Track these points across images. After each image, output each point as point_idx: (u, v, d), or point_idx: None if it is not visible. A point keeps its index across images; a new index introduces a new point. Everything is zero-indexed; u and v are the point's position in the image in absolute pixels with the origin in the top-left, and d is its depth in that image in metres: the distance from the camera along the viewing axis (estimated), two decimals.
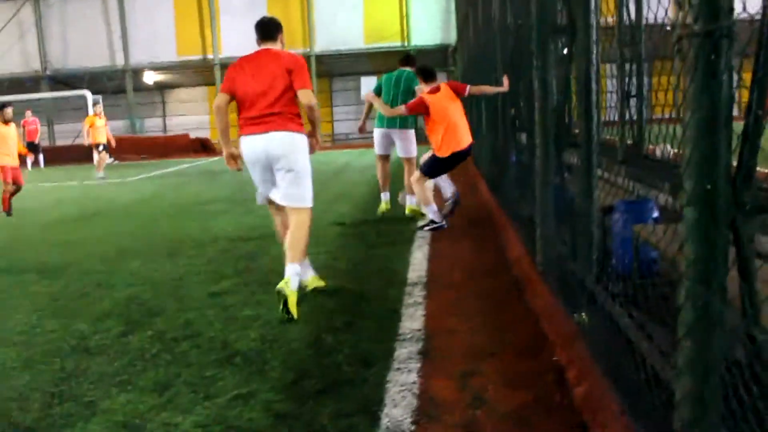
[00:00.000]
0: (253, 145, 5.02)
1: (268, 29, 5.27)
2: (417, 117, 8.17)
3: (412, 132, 8.64)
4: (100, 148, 18.58)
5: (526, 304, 4.73)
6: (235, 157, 5.19)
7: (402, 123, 8.46)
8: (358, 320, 4.53)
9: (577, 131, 4.41)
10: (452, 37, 27.35)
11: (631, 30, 7.88)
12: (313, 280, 5.34)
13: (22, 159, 22.99)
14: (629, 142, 7.95)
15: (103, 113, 18.90)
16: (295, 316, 4.61)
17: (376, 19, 28.05)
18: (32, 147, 23.58)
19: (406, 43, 28.00)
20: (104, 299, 5.53)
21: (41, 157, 24.69)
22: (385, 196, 8.95)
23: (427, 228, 7.69)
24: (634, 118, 7.94)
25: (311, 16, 28.16)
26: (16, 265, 7.25)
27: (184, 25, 29.34)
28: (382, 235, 7.60)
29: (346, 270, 6.00)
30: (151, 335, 4.48)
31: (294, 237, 4.98)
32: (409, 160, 8.67)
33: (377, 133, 8.70)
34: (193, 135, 28.85)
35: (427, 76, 7.88)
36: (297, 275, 4.90)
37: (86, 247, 8.05)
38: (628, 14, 7.86)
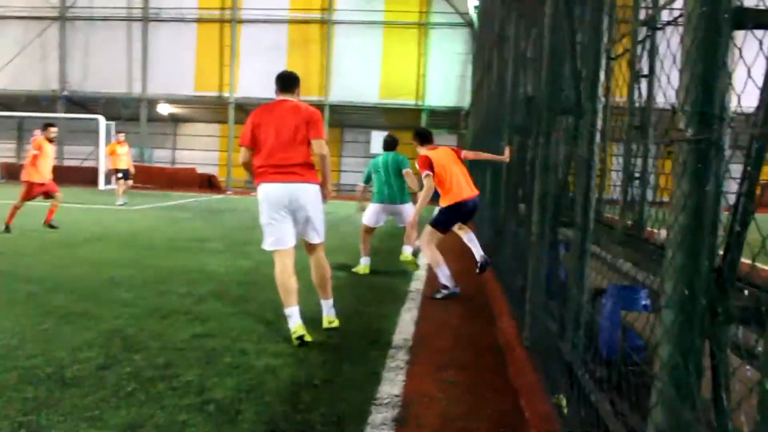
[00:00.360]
0: (278, 192, 5.45)
1: (288, 82, 5.73)
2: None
3: (411, 204, 8.98)
4: (119, 175, 18.78)
5: (508, 378, 4.70)
6: None
7: (402, 197, 9.10)
8: (337, 379, 4.50)
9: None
10: (466, 101, 27.66)
11: (641, 112, 7.98)
12: (299, 327, 5.38)
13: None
14: (629, 222, 7.98)
15: (125, 141, 18.92)
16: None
17: (392, 75, 28.40)
18: None
19: (420, 102, 28.32)
20: (89, 329, 5.51)
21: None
22: (366, 261, 9.13)
23: (440, 296, 7.54)
24: (637, 199, 7.99)
25: (329, 66, 28.53)
26: (5, 285, 7.23)
27: (204, 61, 29.73)
28: (374, 292, 7.59)
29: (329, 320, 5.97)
30: (129, 372, 4.45)
31: (323, 276, 5.79)
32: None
33: (376, 207, 9.18)
34: (200, 170, 28.98)
35: (424, 139, 8.04)
36: (332, 308, 5.83)
37: (80, 272, 8.04)
38: (639, 96, 7.96)
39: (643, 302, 4.53)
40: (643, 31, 7.85)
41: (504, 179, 8.83)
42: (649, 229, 7.74)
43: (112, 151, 18.76)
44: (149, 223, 14.15)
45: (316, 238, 5.73)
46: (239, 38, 29.21)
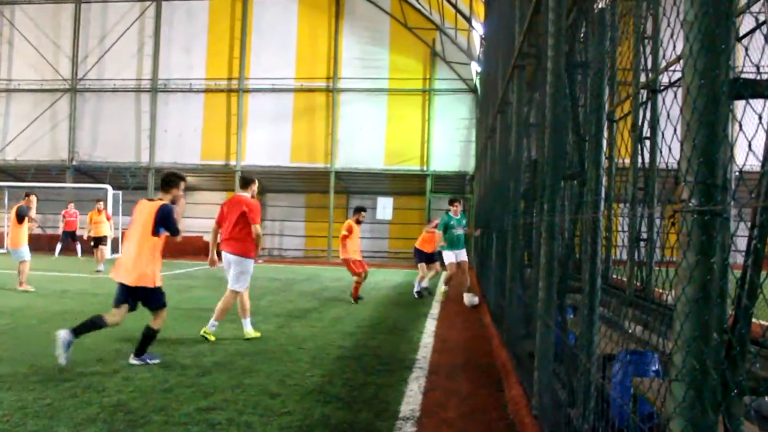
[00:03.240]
0: (225, 257, 8.87)
1: (243, 183, 9.20)
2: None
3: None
4: (92, 243, 19.64)
5: None
6: (215, 262, 9.19)
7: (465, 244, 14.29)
8: None
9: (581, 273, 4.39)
10: (470, 165, 27.83)
11: (644, 173, 8.00)
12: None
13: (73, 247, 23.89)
14: (637, 284, 7.91)
15: (104, 209, 20.16)
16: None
17: (397, 142, 28.61)
18: (72, 236, 24.32)
19: (425, 167, 28.47)
20: (92, 403, 5.43)
21: (78, 246, 24.93)
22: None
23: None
24: (644, 260, 7.94)
25: (335, 133, 28.77)
26: (9, 356, 7.18)
27: (210, 130, 30.02)
28: (381, 361, 7.48)
29: (337, 396, 5.88)
30: None
31: (223, 305, 8.84)
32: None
33: (451, 253, 13.91)
34: (206, 238, 29.01)
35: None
36: (214, 326, 8.74)
37: (84, 344, 7.93)
38: (642, 158, 7.99)
39: (655, 368, 4.44)
40: (644, 94, 7.94)
41: (510, 243, 8.79)
42: (657, 289, 7.69)
43: (90, 218, 19.74)
44: None
45: (233, 286, 8.86)
46: (246, 107, 29.58)
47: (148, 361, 7.07)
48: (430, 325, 10.35)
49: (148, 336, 7.20)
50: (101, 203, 20.24)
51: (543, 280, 4.87)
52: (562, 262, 4.92)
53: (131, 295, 7.15)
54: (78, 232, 24.56)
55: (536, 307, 5.15)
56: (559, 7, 4.98)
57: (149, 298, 7.28)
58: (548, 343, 4.81)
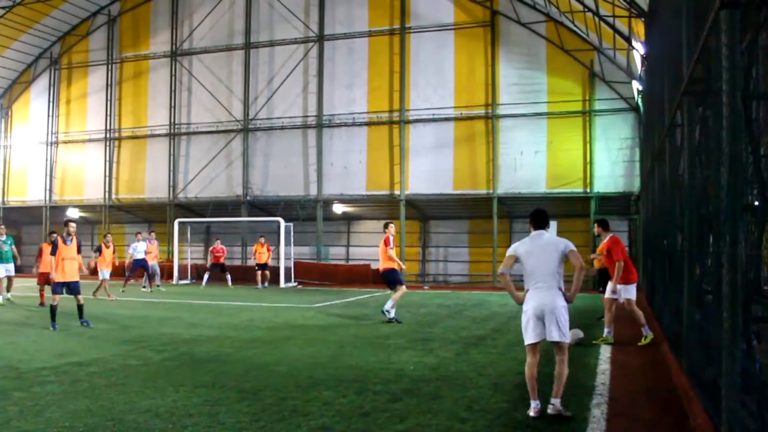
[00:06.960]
0: None
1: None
2: None
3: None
4: (256, 267, 26.96)
5: None
6: None
7: None
8: None
9: None
10: (635, 185, 27.16)
11: None
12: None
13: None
14: None
15: (265, 243, 27.00)
16: None
17: (558, 165, 28.35)
18: (221, 267, 27.35)
19: (588, 189, 28.08)
20: (300, 426, 6.01)
21: (228, 276, 26.92)
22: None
23: None
24: None
25: (496, 159, 28.95)
26: (217, 381, 7.94)
27: (374, 161, 31.06)
28: None
29: (524, 422, 6.16)
30: None
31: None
32: None
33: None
34: (373, 266, 29.89)
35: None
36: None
37: (280, 371, 8.65)
38: None
39: None
40: None
41: (686, 268, 8.65)
42: None
43: (256, 250, 26.86)
44: (334, 321, 14.79)
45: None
46: (408, 137, 30.36)
47: None
48: (605, 351, 10.37)
49: None
50: (262, 238, 27.24)
51: (726, 309, 4.91)
52: (747, 290, 4.94)
53: None
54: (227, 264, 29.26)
55: (719, 335, 5.17)
56: (733, 31, 4.91)
57: None
58: (735, 372, 4.85)
